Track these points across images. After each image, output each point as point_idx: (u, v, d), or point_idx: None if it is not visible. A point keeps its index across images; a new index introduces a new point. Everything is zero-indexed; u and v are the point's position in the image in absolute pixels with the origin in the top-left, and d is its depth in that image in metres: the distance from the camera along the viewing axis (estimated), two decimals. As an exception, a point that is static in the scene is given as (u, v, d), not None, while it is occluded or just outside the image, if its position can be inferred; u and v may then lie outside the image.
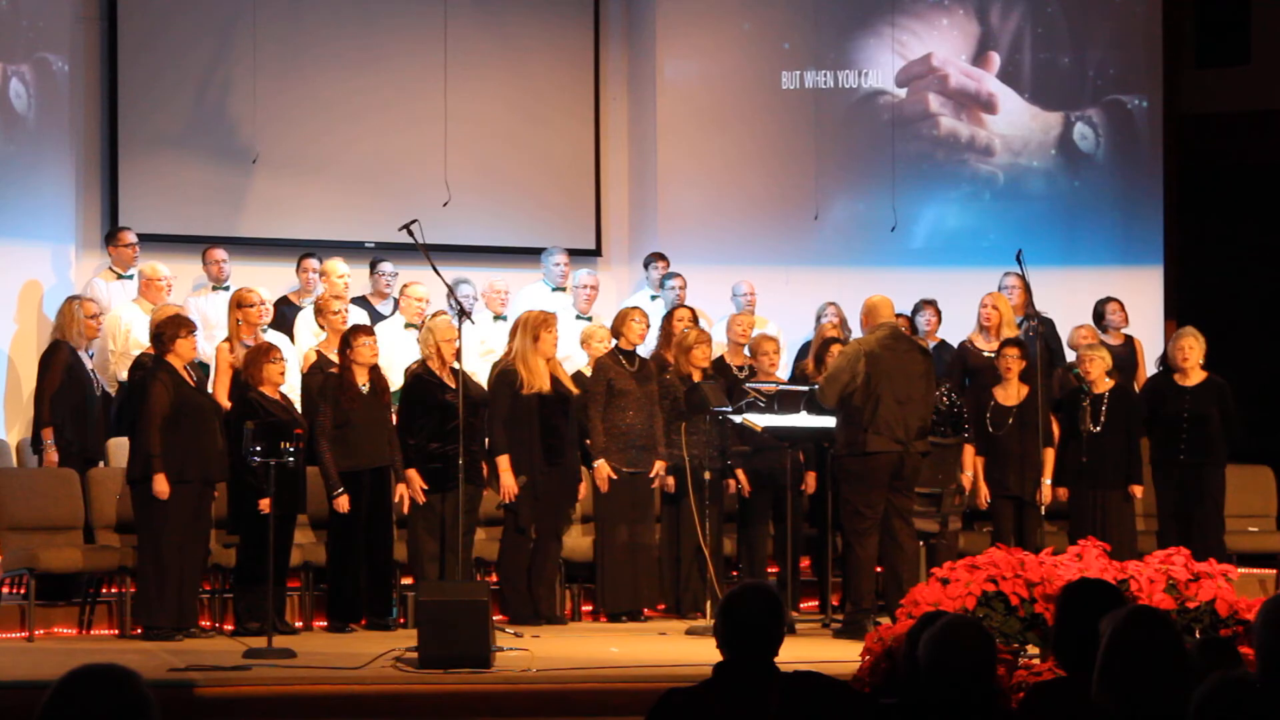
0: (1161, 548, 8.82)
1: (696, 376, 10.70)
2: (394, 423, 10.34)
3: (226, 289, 11.67)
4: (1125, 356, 12.26)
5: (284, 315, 11.52)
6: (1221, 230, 14.53)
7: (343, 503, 9.89)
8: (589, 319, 12.01)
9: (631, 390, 10.71)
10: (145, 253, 11.82)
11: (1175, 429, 11.19)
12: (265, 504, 9.31)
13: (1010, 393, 11.05)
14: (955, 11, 14.16)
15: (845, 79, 14.06)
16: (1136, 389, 11.81)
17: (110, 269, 11.82)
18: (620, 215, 14.10)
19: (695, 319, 11.35)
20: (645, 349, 11.25)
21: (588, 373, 11.03)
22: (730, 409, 10.34)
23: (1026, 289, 11.26)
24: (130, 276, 11.67)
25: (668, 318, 11.38)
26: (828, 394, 9.86)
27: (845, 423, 9.82)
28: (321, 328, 10.91)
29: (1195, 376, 11.30)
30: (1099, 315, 12.43)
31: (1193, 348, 11.28)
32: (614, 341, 10.93)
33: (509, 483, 10.29)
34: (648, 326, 11.05)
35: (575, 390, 10.64)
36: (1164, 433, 11.26)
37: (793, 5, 14.07)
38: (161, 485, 9.32)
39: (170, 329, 9.65)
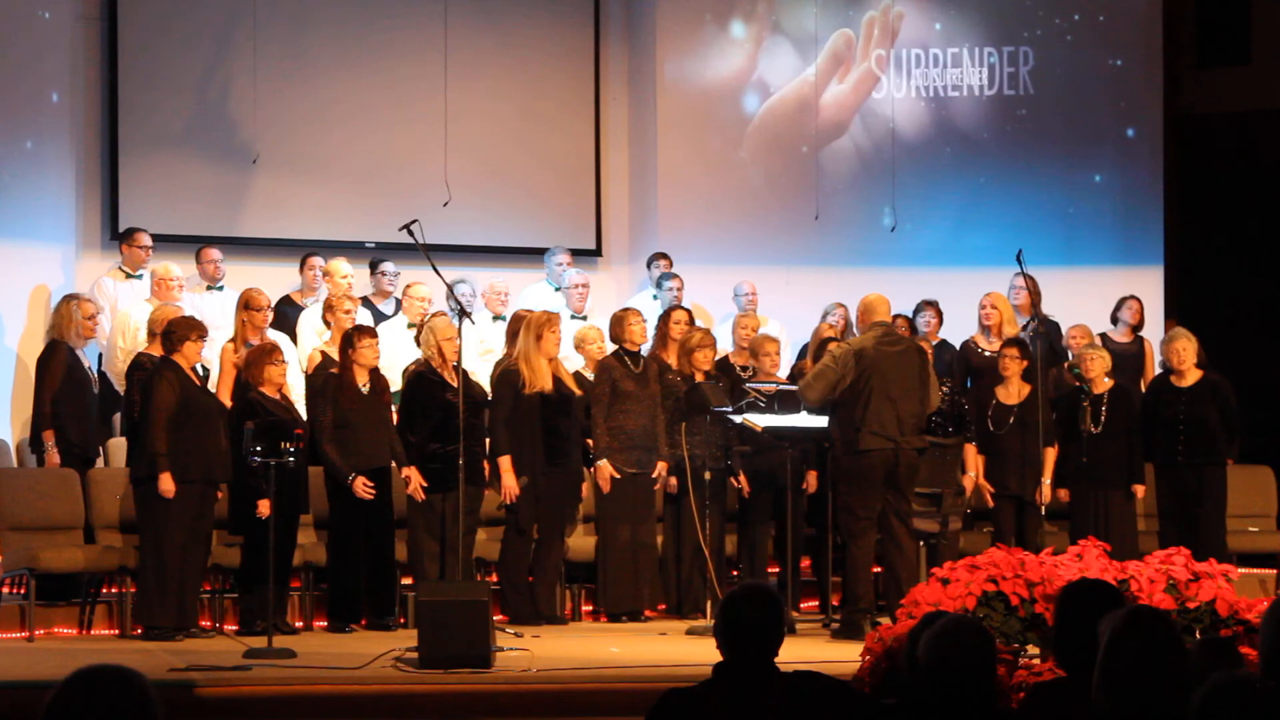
0: (1163, 548, 8.81)
1: (699, 378, 10.70)
2: (394, 423, 10.34)
3: (221, 289, 11.68)
4: (1134, 355, 12.27)
5: (286, 315, 11.52)
6: (1221, 230, 14.52)
7: (359, 486, 9.86)
8: (584, 319, 12.01)
9: (634, 391, 10.71)
10: (146, 253, 11.85)
11: (1172, 431, 11.20)
12: (264, 507, 9.31)
13: (1011, 392, 11.05)
14: (954, 10, 14.14)
15: (845, 78, 14.05)
16: (1144, 388, 11.82)
17: (120, 268, 11.83)
18: (620, 215, 14.08)
19: (692, 319, 11.35)
20: (644, 349, 11.25)
21: (586, 374, 11.03)
22: (730, 409, 10.34)
23: (1032, 290, 11.24)
24: (139, 276, 11.68)
25: (663, 318, 11.37)
26: (813, 392, 9.83)
27: (839, 422, 9.83)
28: (327, 324, 10.91)
29: (1191, 377, 11.30)
30: (1116, 310, 12.45)
31: (1185, 349, 11.28)
32: (613, 344, 10.93)
33: (510, 484, 10.29)
34: (645, 324, 11.05)
35: (578, 391, 10.64)
36: (1162, 435, 11.27)
37: (792, 4, 14.06)
38: (167, 484, 9.31)
39: (182, 329, 9.63)
